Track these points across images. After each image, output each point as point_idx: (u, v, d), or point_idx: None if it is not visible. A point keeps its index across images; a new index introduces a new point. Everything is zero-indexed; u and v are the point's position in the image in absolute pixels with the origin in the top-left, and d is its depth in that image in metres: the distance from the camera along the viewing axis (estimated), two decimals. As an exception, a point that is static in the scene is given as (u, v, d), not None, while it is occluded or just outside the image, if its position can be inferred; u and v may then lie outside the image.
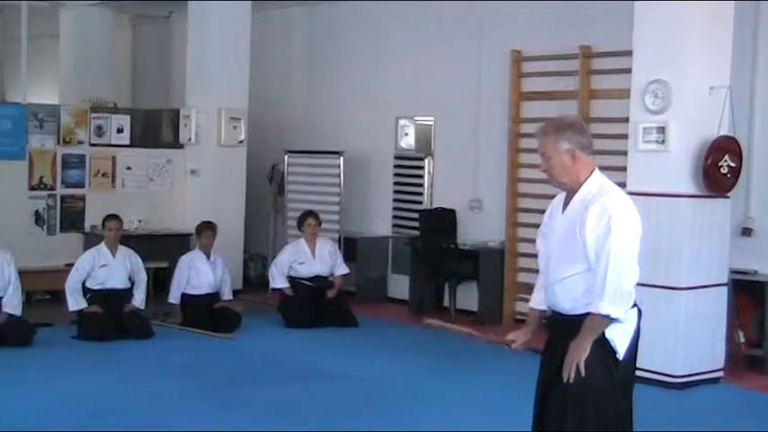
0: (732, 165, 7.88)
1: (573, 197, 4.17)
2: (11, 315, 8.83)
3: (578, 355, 3.94)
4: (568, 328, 4.04)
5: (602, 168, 10.06)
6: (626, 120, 8.24)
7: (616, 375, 4.01)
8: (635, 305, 4.07)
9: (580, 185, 4.16)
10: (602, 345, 3.99)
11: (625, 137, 8.26)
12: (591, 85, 9.86)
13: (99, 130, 11.63)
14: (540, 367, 4.23)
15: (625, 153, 8.23)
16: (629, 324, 4.03)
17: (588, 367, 3.95)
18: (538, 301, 4.38)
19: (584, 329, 3.97)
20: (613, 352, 4.00)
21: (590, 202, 4.07)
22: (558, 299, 4.12)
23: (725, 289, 8.05)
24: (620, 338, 4.01)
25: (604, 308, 3.93)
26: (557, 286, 4.12)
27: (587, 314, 3.98)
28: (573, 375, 3.93)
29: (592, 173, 4.18)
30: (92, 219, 11.21)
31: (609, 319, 3.95)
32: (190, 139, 11.91)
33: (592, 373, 3.95)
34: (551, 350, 4.16)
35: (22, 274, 9.19)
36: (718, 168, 7.81)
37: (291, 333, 9.76)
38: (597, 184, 4.16)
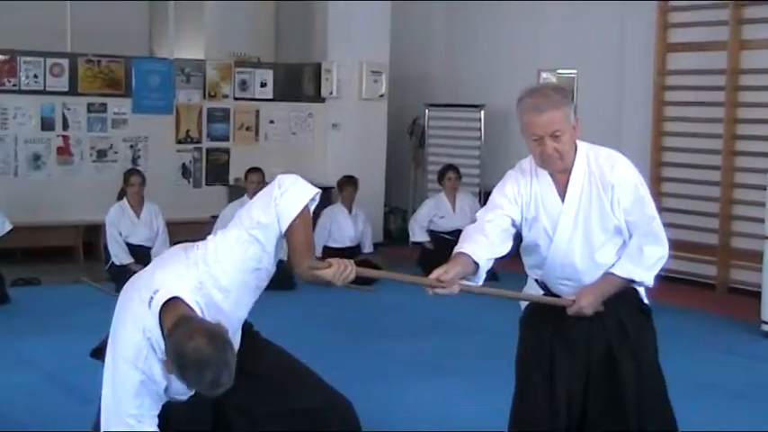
0: None
1: (568, 178, 3.67)
2: (159, 265, 9.10)
3: (592, 300, 3.60)
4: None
5: (753, 121, 9.80)
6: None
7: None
8: None
9: (572, 161, 3.66)
10: (641, 313, 3.77)
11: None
12: (742, 34, 9.51)
13: (243, 85, 11.82)
14: (551, 354, 3.73)
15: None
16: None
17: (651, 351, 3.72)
18: (471, 248, 3.73)
19: (605, 284, 3.64)
20: (650, 318, 3.82)
21: (603, 175, 3.63)
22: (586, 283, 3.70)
23: None
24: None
25: (638, 274, 3.63)
26: (587, 276, 3.68)
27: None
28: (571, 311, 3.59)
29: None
30: (236, 171, 11.43)
31: (632, 284, 3.69)
32: (331, 93, 12.00)
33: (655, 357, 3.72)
34: (576, 336, 3.69)
35: (170, 225, 9.46)
36: None
37: (431, 286, 9.79)
38: (584, 153, 3.69)
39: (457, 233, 11.79)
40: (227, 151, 11.72)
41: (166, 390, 3.41)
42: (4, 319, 7.92)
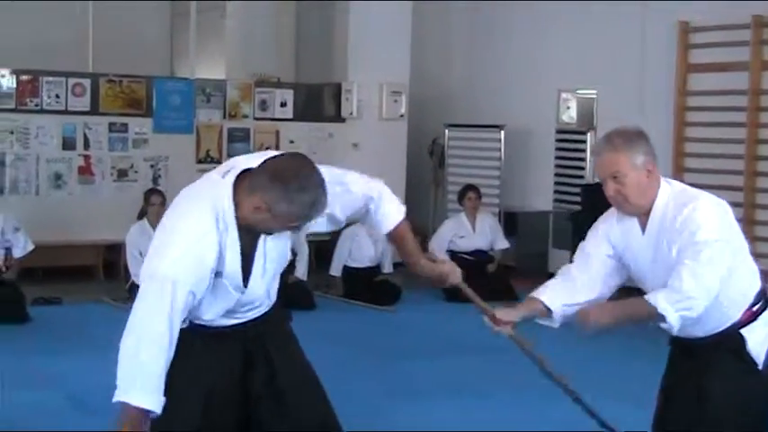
0: None
1: (648, 218, 3.59)
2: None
3: (600, 315, 3.46)
4: (692, 350, 3.66)
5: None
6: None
7: (758, 386, 3.60)
8: None
9: (650, 205, 3.57)
10: (739, 359, 3.58)
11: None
12: (764, 55, 9.49)
13: (263, 104, 11.85)
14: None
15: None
16: (766, 329, 3.60)
17: (724, 393, 3.57)
18: (545, 294, 3.74)
19: (623, 303, 3.53)
20: (753, 363, 3.57)
21: (676, 214, 3.51)
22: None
23: None
24: (760, 347, 3.59)
25: (657, 300, 3.39)
26: None
27: (728, 329, 3.58)
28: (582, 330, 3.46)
29: (660, 185, 3.58)
30: (256, 191, 11.44)
31: (655, 313, 3.38)
32: (351, 113, 12.02)
33: (730, 399, 3.58)
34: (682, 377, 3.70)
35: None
36: None
37: (451, 307, 9.74)
38: (667, 193, 3.57)
39: (477, 253, 11.84)
40: (247, 171, 11.72)
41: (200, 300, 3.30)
42: (24, 338, 7.94)
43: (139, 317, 3.19)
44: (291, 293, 9.39)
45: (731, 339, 3.61)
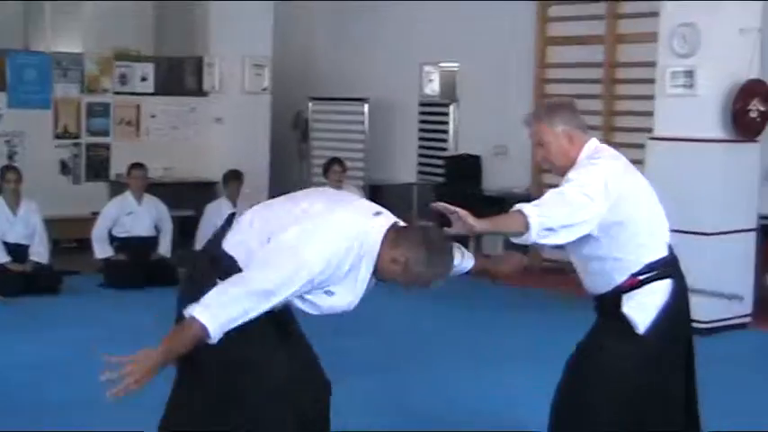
0: (761, 109, 7.79)
1: None
2: (38, 263, 8.93)
3: (469, 221, 3.59)
4: (598, 306, 3.97)
5: (629, 113, 10.01)
6: (653, 64, 8.15)
7: (636, 352, 3.79)
8: (667, 276, 3.84)
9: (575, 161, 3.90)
10: (618, 321, 3.80)
11: (652, 81, 8.17)
12: (618, 28, 9.74)
13: (123, 79, 11.60)
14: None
15: (652, 98, 8.16)
16: (651, 297, 3.80)
17: (604, 350, 3.85)
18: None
19: (498, 216, 3.75)
20: (630, 326, 3.78)
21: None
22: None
23: (753, 234, 8.00)
24: (639, 313, 3.79)
25: (526, 206, 3.63)
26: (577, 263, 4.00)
27: (615, 289, 3.81)
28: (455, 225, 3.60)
29: (582, 148, 3.90)
30: (117, 167, 11.22)
31: (521, 216, 3.59)
32: (214, 87, 11.87)
33: (605, 355, 3.84)
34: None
35: (49, 222, 9.25)
36: (747, 112, 7.72)
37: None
38: (586, 155, 3.89)
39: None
40: (107, 147, 11.49)
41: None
42: None
43: (261, 276, 3.42)
44: (155, 270, 9.34)
45: (611, 301, 3.84)
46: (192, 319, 3.40)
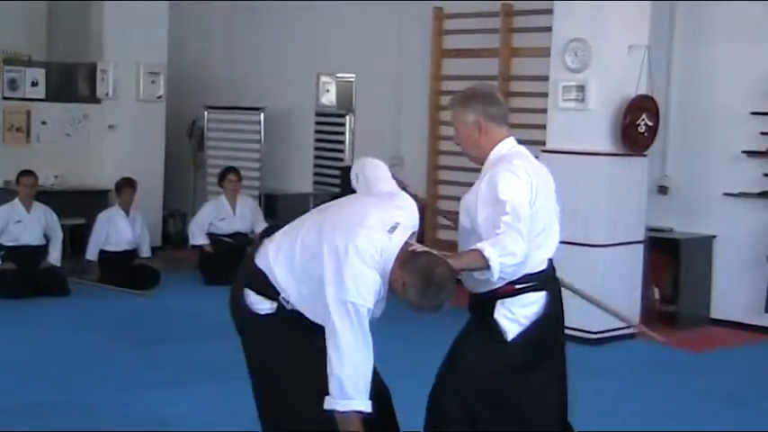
0: (649, 124, 7.99)
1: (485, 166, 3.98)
2: None
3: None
4: (472, 305, 4.01)
5: (522, 126, 10.14)
6: (546, 78, 8.29)
7: (500, 357, 3.86)
8: (542, 289, 3.90)
9: (486, 158, 3.97)
10: (488, 324, 3.86)
11: (545, 95, 8.31)
12: (512, 43, 9.89)
13: (13, 84, 11.34)
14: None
15: (545, 111, 8.29)
16: (523, 309, 3.86)
17: (469, 350, 3.91)
18: None
19: (461, 255, 3.78)
20: (500, 333, 3.85)
21: (484, 174, 3.91)
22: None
23: (641, 246, 8.19)
24: (509, 322, 3.85)
25: (487, 248, 3.65)
26: None
27: (491, 291, 3.85)
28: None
29: (498, 143, 3.95)
30: (5, 174, 10.94)
31: (481, 258, 3.66)
32: (107, 94, 11.68)
33: (471, 356, 3.89)
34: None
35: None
36: (635, 127, 7.91)
37: (211, 290, 9.68)
38: (498, 154, 3.94)
39: (237, 236, 11.78)
40: (-5, 153, 11.23)
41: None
42: None
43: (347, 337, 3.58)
44: (44, 280, 9.16)
45: (485, 304, 3.88)
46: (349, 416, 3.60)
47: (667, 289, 8.71)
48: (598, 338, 7.77)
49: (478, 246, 3.70)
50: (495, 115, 3.96)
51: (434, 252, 3.69)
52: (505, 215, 3.71)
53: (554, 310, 3.96)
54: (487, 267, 3.66)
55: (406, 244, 3.66)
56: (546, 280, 3.94)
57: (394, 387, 4.01)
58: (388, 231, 3.65)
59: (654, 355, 7.63)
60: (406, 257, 3.60)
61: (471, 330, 4.00)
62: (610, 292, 7.82)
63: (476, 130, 3.94)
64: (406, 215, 3.78)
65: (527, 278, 3.87)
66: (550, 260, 3.98)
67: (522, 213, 3.73)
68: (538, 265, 3.90)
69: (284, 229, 3.99)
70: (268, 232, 4.18)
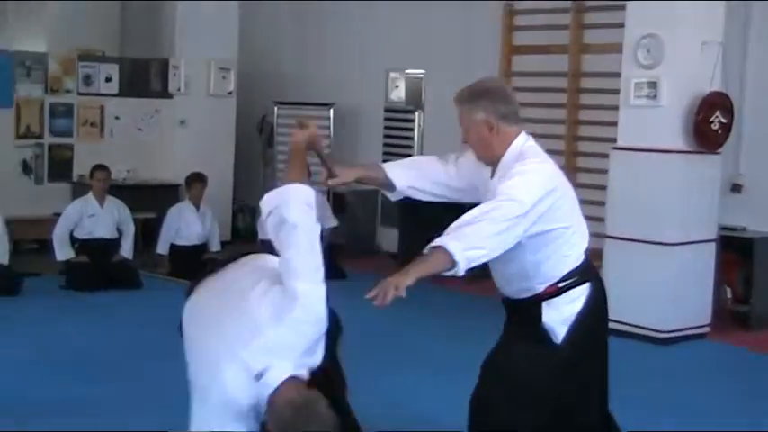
0: (723, 121, 7.86)
1: (495, 170, 3.78)
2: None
3: (399, 279, 3.39)
4: (512, 309, 3.90)
5: (593, 123, 10.02)
6: (618, 75, 8.20)
7: (553, 361, 3.76)
8: (585, 281, 3.79)
9: (499, 159, 3.75)
10: (535, 329, 3.75)
11: (616, 92, 8.23)
12: (583, 39, 9.80)
13: (87, 79, 11.53)
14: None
15: (616, 108, 8.21)
16: (570, 306, 3.76)
17: (520, 358, 3.79)
18: (393, 168, 4.07)
19: (418, 260, 3.49)
20: (547, 335, 3.74)
21: (502, 177, 3.68)
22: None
23: (713, 245, 8.07)
24: (558, 323, 3.76)
25: (446, 240, 3.47)
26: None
27: (534, 296, 3.74)
28: (384, 297, 3.36)
29: (512, 142, 3.74)
30: (80, 168, 11.15)
31: (445, 255, 3.44)
32: (179, 90, 11.83)
33: (521, 365, 3.78)
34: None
35: (10, 223, 9.17)
36: (709, 124, 7.79)
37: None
38: (512, 154, 3.72)
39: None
40: (70, 147, 11.42)
41: None
42: None
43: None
44: (117, 272, 9.29)
45: (531, 309, 3.76)
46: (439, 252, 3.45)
47: (739, 289, 8.57)
48: (668, 338, 7.68)
49: (441, 241, 3.48)
50: (507, 113, 3.75)
51: (320, 401, 3.32)
52: (492, 202, 3.55)
53: (598, 302, 3.85)
54: (452, 266, 3.45)
55: (287, 386, 3.33)
56: (586, 272, 3.83)
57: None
58: (255, 378, 3.34)
59: (724, 356, 7.53)
60: (278, 411, 3.29)
61: (516, 336, 3.86)
62: (681, 290, 7.77)
63: (486, 130, 3.73)
64: (293, 337, 3.40)
65: (569, 275, 3.77)
66: (587, 251, 3.87)
67: (506, 211, 3.52)
68: (576, 259, 3.80)
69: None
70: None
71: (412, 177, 4.04)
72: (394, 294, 3.35)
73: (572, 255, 3.78)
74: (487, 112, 3.72)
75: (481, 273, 3.81)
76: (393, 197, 4.11)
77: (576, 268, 3.79)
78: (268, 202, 3.68)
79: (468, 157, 3.95)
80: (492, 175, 3.80)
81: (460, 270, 3.47)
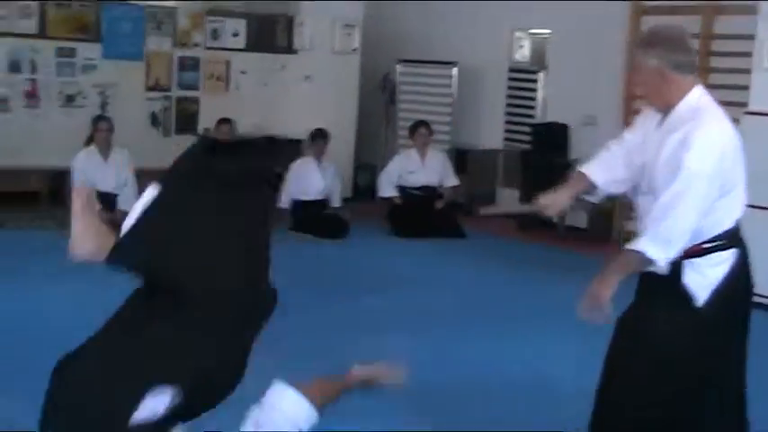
0: None
1: (666, 119, 3.69)
2: (126, 212, 9.07)
3: (600, 289, 3.50)
4: (651, 284, 3.73)
5: (723, 87, 9.76)
6: (752, 37, 7.97)
7: (691, 325, 3.64)
8: (732, 246, 3.66)
9: (671, 108, 3.65)
10: (674, 289, 3.62)
11: (749, 54, 8.00)
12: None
13: (214, 34, 11.72)
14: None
15: (749, 71, 7.99)
16: (714, 269, 3.63)
17: (658, 324, 3.67)
18: (592, 168, 3.96)
19: (613, 263, 3.58)
20: (689, 298, 3.62)
21: (673, 130, 3.59)
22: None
23: None
24: (699, 285, 3.63)
25: (643, 244, 3.51)
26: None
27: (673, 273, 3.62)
28: (587, 312, 3.50)
29: (686, 94, 3.64)
30: (205, 121, 11.35)
31: (644, 259, 3.52)
32: (304, 46, 11.92)
33: (664, 330, 3.66)
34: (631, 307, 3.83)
35: (138, 173, 9.39)
36: None
37: (398, 242, 9.81)
38: (688, 107, 3.62)
39: (426, 189, 11.81)
40: (196, 101, 11.63)
41: None
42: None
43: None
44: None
45: (671, 268, 3.62)
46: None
47: None
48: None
49: (638, 247, 3.53)
50: (682, 63, 3.64)
51: None
52: (680, 183, 3.50)
53: (743, 271, 3.71)
54: (652, 265, 3.53)
55: None
56: (734, 237, 3.70)
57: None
58: None
59: None
60: None
61: (653, 300, 3.74)
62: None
63: (658, 78, 3.62)
64: None
65: (717, 237, 3.65)
66: (738, 219, 3.73)
67: (696, 190, 3.50)
68: (729, 223, 3.67)
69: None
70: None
71: (606, 172, 3.99)
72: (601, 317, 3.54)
73: (726, 218, 3.67)
74: (660, 60, 3.63)
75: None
76: (595, 198, 4.05)
77: (726, 232, 3.67)
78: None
79: (624, 134, 3.98)
80: (660, 124, 3.71)
81: (663, 268, 3.56)
